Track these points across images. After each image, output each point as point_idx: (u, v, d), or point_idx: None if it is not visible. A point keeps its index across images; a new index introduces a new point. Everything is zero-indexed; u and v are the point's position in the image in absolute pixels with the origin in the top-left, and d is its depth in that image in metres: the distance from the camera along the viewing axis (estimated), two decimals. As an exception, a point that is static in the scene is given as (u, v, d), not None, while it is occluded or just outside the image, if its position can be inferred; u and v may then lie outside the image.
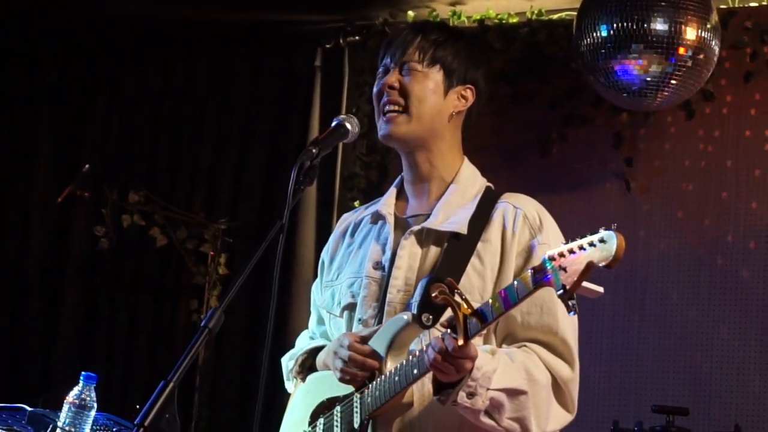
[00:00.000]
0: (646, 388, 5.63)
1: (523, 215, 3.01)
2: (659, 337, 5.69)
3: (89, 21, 6.76)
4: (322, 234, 6.34)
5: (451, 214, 3.02)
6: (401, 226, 3.08)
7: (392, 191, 3.18)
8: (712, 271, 5.66)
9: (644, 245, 5.81)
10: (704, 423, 5.40)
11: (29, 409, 3.78)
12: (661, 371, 5.66)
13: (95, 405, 3.51)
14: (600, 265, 2.42)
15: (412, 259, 3.00)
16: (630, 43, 5.15)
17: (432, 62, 3.05)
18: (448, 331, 2.66)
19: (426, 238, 3.02)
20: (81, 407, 3.49)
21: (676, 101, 5.41)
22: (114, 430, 3.78)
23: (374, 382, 2.88)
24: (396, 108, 3.04)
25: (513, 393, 2.78)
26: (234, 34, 6.75)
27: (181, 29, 6.77)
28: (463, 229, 2.98)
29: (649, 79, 5.21)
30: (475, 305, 2.66)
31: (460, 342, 2.62)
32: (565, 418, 2.92)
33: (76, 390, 3.52)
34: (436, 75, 3.05)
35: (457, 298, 2.66)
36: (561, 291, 2.46)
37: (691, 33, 5.15)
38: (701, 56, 5.21)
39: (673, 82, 5.22)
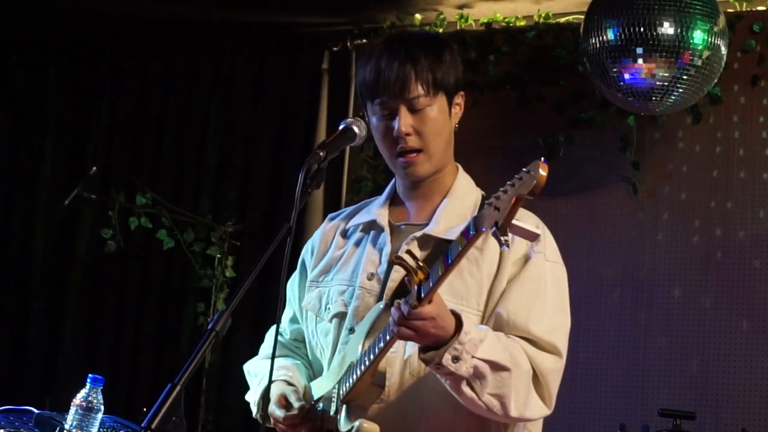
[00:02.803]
0: (653, 392, 5.63)
1: None
2: (666, 340, 5.69)
3: (95, 24, 6.77)
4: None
5: (453, 223, 3.00)
6: (396, 233, 3.08)
7: (385, 199, 3.17)
8: (720, 275, 5.65)
9: (651, 249, 5.81)
10: (711, 427, 5.40)
11: (36, 411, 3.78)
12: (667, 375, 5.65)
13: (102, 407, 3.51)
14: (524, 193, 2.42)
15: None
16: (637, 46, 5.15)
17: (435, 90, 3.00)
18: (404, 298, 2.67)
19: (426, 244, 3.01)
20: (88, 409, 3.49)
21: (683, 105, 5.40)
22: (121, 432, 3.78)
23: (350, 371, 2.90)
24: (416, 150, 3.00)
25: (497, 367, 2.77)
26: (241, 36, 6.75)
27: (186, 31, 6.78)
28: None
29: (656, 82, 5.20)
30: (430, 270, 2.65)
31: (412, 304, 2.63)
32: (542, 410, 2.90)
33: (83, 392, 3.53)
34: (441, 101, 3.01)
35: (417, 267, 2.64)
36: (493, 228, 2.46)
37: (698, 37, 5.15)
38: (708, 60, 5.20)
39: (681, 86, 5.21)
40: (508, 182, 2.47)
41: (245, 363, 3.34)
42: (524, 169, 2.44)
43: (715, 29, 5.19)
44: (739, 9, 5.73)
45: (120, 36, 6.95)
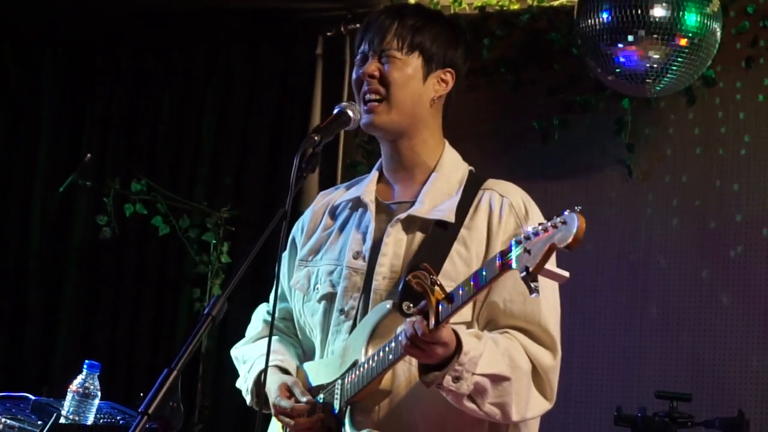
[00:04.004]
0: (649, 374, 5.64)
1: (509, 204, 3.00)
2: (662, 323, 5.70)
3: (89, 9, 6.75)
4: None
5: (438, 201, 3.01)
6: (384, 211, 3.07)
7: (374, 176, 3.16)
8: (715, 256, 5.66)
9: (646, 231, 5.81)
10: (707, 409, 5.40)
11: (33, 398, 3.79)
12: (664, 357, 5.66)
13: (99, 393, 3.53)
14: (561, 246, 2.41)
15: (397, 246, 2.99)
16: (631, 29, 5.15)
17: (411, 48, 3.02)
18: (420, 316, 2.67)
19: (412, 225, 3.01)
20: (85, 396, 3.50)
21: (677, 87, 5.40)
22: (118, 418, 3.79)
23: (354, 369, 2.90)
24: (376, 97, 3.02)
25: (497, 379, 2.78)
26: (235, 22, 6.74)
27: (180, 17, 6.76)
28: (451, 217, 2.98)
29: (650, 65, 5.20)
30: (449, 290, 2.65)
31: (431, 326, 2.63)
32: (544, 405, 2.91)
33: (79, 379, 3.54)
34: (416, 61, 3.02)
35: (432, 284, 2.65)
36: (524, 273, 2.46)
37: (692, 18, 5.14)
38: (702, 42, 5.20)
39: (674, 68, 5.21)
40: (541, 224, 2.46)
41: (232, 348, 3.34)
42: (560, 219, 2.43)
43: (709, 11, 5.19)
44: (732, -10, 5.73)
45: (115, 24, 6.93)
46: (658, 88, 5.31)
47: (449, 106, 3.13)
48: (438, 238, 2.97)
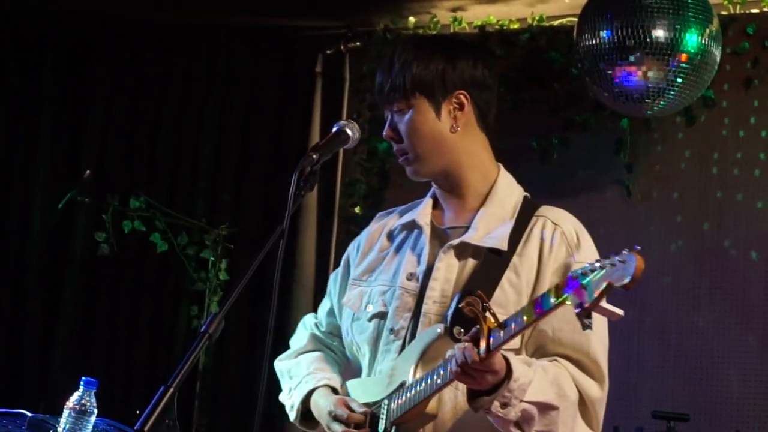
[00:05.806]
0: (647, 394, 5.63)
1: (561, 232, 3.00)
2: (660, 342, 5.69)
3: (90, 25, 6.76)
4: (323, 240, 6.35)
5: (491, 228, 3.01)
6: (438, 236, 3.08)
7: (429, 200, 3.17)
8: (713, 276, 5.66)
9: (644, 251, 5.79)
10: (705, 429, 5.40)
11: (29, 414, 3.78)
12: (661, 377, 5.66)
13: (95, 410, 3.51)
14: (617, 285, 2.44)
15: (449, 271, 2.99)
16: (631, 49, 5.16)
17: (408, 96, 3.01)
18: (470, 343, 2.67)
19: (464, 251, 3.01)
20: (81, 413, 3.49)
21: (676, 107, 5.41)
22: (114, 435, 3.78)
23: (401, 390, 2.91)
24: (403, 154, 3.06)
25: (544, 407, 2.78)
26: (235, 39, 6.75)
27: (181, 34, 6.77)
28: (504, 245, 2.97)
29: (649, 85, 5.21)
30: (502, 318, 2.66)
31: (482, 354, 2.64)
32: None
33: (76, 395, 3.52)
34: (420, 102, 3.02)
35: (486, 311, 2.66)
36: (578, 309, 2.47)
37: (691, 39, 5.15)
38: (702, 62, 5.21)
39: (674, 88, 5.22)
40: (598, 261, 2.47)
41: (276, 359, 3.34)
42: (618, 258, 2.45)
43: (709, 32, 5.20)
44: (732, 11, 5.73)
45: (115, 38, 6.93)
46: (658, 109, 5.32)
47: (485, 120, 3.10)
48: (490, 265, 2.97)
